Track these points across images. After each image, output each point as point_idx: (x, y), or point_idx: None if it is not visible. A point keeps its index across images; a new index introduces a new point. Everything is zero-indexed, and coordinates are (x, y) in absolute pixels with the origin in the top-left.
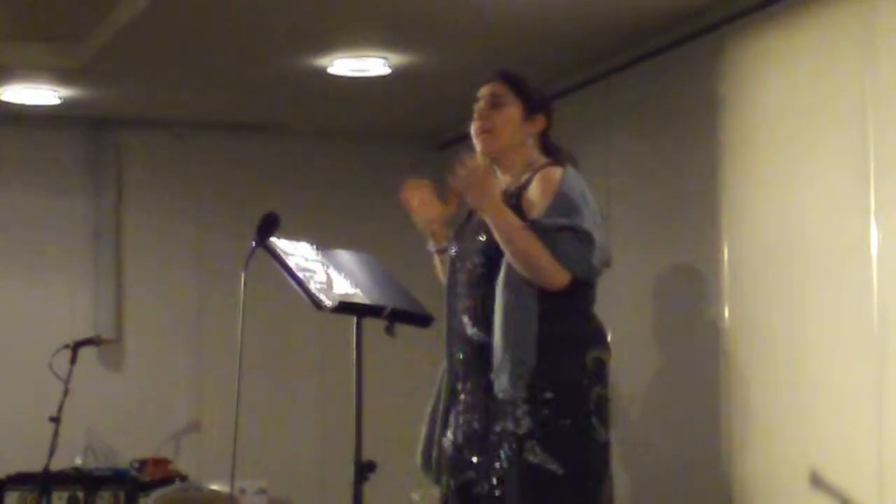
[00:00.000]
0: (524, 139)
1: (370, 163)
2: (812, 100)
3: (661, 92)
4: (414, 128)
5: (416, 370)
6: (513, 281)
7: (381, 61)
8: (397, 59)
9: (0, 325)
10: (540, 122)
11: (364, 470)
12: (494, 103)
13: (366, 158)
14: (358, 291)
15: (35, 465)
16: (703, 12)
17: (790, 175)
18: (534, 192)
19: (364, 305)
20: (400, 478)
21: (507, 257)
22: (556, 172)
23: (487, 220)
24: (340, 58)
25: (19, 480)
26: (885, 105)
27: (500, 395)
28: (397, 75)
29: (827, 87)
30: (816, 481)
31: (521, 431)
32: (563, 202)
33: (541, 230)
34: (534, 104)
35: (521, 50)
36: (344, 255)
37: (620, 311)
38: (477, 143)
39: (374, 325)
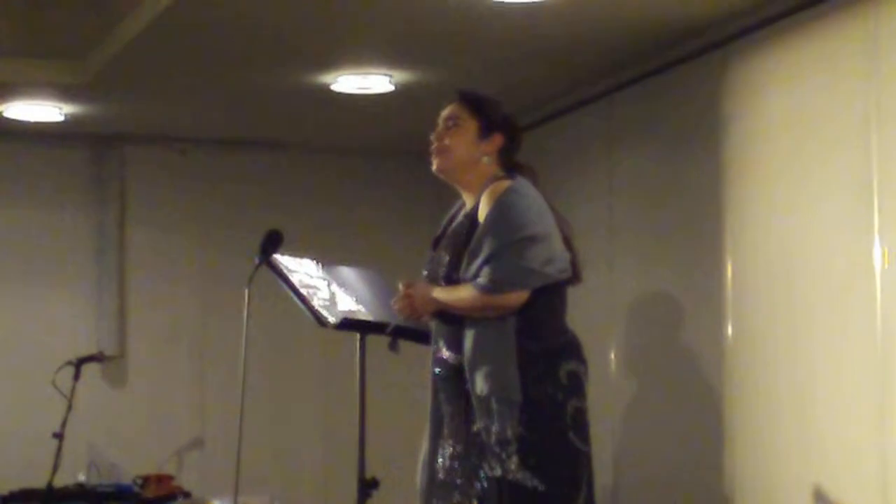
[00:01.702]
0: (479, 158)
1: (374, 179)
2: (816, 117)
3: (663, 110)
4: (417, 144)
5: (420, 387)
6: (482, 326)
7: (385, 78)
8: (401, 76)
9: (3, 340)
10: (497, 141)
11: (367, 486)
12: (450, 124)
13: (370, 175)
14: (361, 308)
15: (38, 481)
16: (706, 30)
17: (793, 193)
18: (482, 210)
19: (367, 322)
20: (403, 495)
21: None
22: (501, 186)
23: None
24: (344, 75)
25: (22, 497)
26: (888, 123)
27: (487, 440)
28: (401, 92)
29: (830, 104)
30: (820, 497)
31: (513, 476)
32: (498, 216)
33: (477, 271)
34: (490, 123)
35: (524, 68)
36: (347, 272)
37: (623, 328)
38: (432, 162)
39: (377, 342)
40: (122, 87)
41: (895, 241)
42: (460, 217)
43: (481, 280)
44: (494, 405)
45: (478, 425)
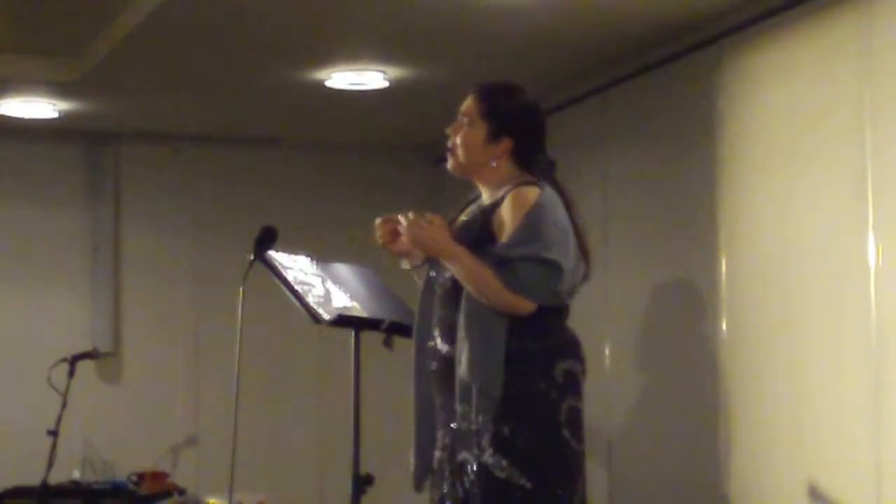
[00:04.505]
0: (487, 161)
1: (368, 176)
2: (810, 114)
3: (658, 105)
4: (412, 141)
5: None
6: (477, 309)
7: (379, 75)
8: (395, 72)
9: None
10: (505, 146)
11: (363, 483)
12: (464, 121)
13: (364, 171)
14: (356, 305)
15: (33, 478)
16: (701, 26)
17: (788, 189)
18: (505, 212)
19: (362, 319)
20: (398, 491)
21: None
22: (530, 195)
23: (443, 262)
24: (339, 71)
25: (17, 494)
26: (882, 119)
27: (464, 426)
28: (395, 89)
29: (825, 101)
30: (814, 493)
31: (486, 459)
32: (530, 229)
33: (503, 261)
34: (499, 128)
35: (519, 64)
36: (342, 269)
37: (618, 324)
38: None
39: (372, 338)
40: (117, 84)
41: (889, 237)
42: (473, 208)
43: (504, 274)
44: (475, 394)
45: (459, 408)
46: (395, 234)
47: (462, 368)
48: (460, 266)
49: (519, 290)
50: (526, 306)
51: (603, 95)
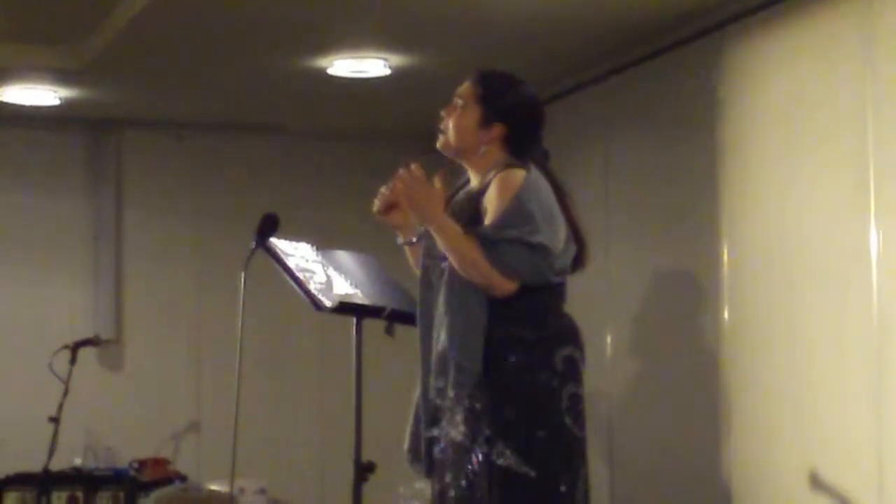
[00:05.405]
0: (477, 145)
1: (370, 163)
2: (812, 102)
3: (660, 94)
4: (413, 128)
5: (416, 370)
6: (458, 284)
7: (381, 62)
8: (397, 60)
9: (0, 325)
10: (496, 132)
11: (364, 471)
12: (459, 103)
13: (366, 159)
14: (357, 292)
15: (34, 465)
16: (703, 14)
17: (790, 178)
18: (490, 195)
19: (364, 306)
20: (399, 479)
21: (452, 264)
22: (516, 177)
23: (430, 229)
24: (340, 59)
25: (19, 480)
26: (885, 108)
27: (439, 402)
28: (397, 76)
29: (827, 89)
30: (816, 484)
31: (458, 438)
32: (516, 211)
33: (488, 240)
34: (492, 113)
35: (521, 52)
36: (343, 256)
37: (619, 314)
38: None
39: (373, 326)
40: (119, 71)
41: (891, 225)
42: (461, 195)
43: (490, 254)
44: (451, 368)
45: (436, 382)
46: (393, 205)
47: (441, 342)
48: (447, 239)
49: (505, 271)
50: (509, 287)
51: (605, 84)
